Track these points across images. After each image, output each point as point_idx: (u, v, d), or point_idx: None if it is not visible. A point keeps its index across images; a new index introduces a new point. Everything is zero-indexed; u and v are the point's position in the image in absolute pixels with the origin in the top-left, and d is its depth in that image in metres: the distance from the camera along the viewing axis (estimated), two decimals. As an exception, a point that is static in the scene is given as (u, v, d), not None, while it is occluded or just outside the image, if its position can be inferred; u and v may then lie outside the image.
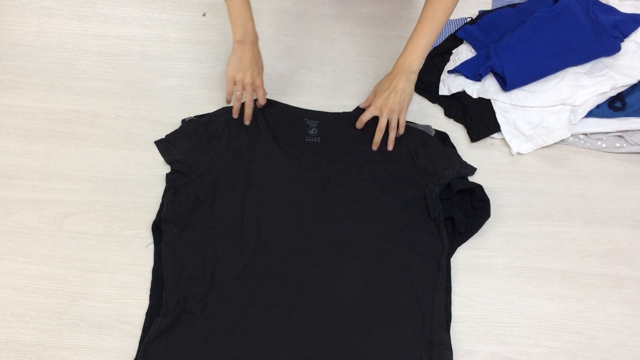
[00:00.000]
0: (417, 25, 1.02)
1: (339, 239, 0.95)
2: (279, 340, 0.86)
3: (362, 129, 1.06)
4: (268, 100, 1.09)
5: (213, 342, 0.85)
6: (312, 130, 1.07)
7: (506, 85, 1.09)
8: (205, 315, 0.87)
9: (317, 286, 0.91)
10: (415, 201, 0.99)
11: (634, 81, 1.10)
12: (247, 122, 1.05)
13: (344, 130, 1.08)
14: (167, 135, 1.06)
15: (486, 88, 1.13)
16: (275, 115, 1.09)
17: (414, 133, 1.06)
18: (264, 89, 1.05)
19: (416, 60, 1.02)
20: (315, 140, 1.06)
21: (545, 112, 1.09)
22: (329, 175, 1.01)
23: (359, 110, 1.10)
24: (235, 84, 1.03)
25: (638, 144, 1.09)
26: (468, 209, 1.00)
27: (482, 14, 1.26)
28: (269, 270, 0.91)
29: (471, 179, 1.06)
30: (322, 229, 0.96)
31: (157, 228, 0.96)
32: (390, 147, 1.04)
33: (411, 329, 0.88)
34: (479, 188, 1.00)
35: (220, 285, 0.90)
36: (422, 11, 1.01)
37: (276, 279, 0.91)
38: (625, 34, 1.15)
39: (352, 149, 1.05)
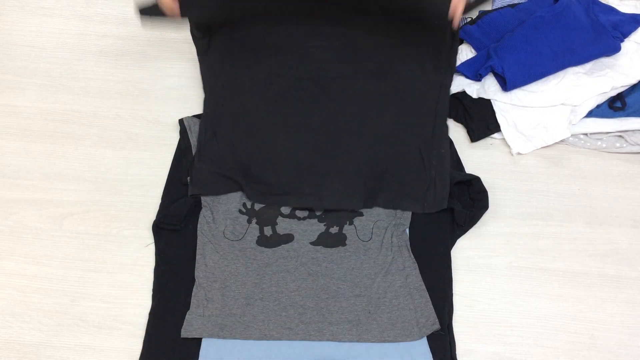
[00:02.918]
0: None
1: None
2: (306, 127, 1.01)
3: None
4: None
5: (256, 137, 1.00)
6: None
7: (506, 85, 1.09)
8: (243, 114, 1.02)
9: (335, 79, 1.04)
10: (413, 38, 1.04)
11: (634, 81, 1.10)
12: None
13: None
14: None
15: (486, 88, 1.13)
16: None
17: None
18: None
19: None
20: None
21: (545, 112, 1.09)
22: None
23: None
24: None
25: (638, 144, 1.09)
26: (466, 201, 1.00)
27: (482, 14, 1.25)
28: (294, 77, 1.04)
29: (471, 178, 1.06)
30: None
31: (157, 228, 0.96)
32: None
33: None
34: (476, 180, 1.00)
35: (251, 90, 1.03)
36: None
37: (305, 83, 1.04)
38: (625, 34, 1.14)
39: None
